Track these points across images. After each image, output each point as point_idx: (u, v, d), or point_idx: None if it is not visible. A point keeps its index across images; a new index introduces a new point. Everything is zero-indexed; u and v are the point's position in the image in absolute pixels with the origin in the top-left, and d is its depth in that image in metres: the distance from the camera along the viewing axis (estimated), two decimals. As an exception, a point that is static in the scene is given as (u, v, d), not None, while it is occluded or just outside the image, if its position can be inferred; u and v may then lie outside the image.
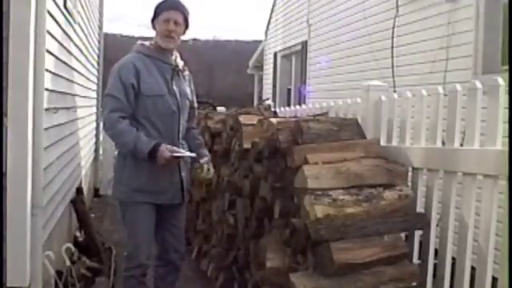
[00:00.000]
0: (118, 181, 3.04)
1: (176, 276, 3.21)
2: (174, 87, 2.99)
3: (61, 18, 3.81)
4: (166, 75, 2.97)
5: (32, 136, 2.83)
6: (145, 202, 2.95)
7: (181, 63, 3.08)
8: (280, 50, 11.03)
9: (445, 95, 2.34)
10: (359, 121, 2.75)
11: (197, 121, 3.46)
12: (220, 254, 3.76)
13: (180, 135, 3.03)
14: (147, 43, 3.03)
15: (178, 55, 3.10)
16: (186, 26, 3.05)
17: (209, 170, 3.09)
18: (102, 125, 3.05)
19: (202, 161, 3.10)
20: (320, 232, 2.09)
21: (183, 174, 3.04)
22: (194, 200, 4.76)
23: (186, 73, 3.14)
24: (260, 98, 13.02)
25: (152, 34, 3.06)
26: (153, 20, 3.02)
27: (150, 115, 2.91)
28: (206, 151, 3.23)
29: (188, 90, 3.12)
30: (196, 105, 3.27)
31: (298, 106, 4.28)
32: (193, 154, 3.02)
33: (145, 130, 2.89)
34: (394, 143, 2.63)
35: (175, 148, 2.90)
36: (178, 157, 2.88)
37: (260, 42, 13.28)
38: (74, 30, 4.65)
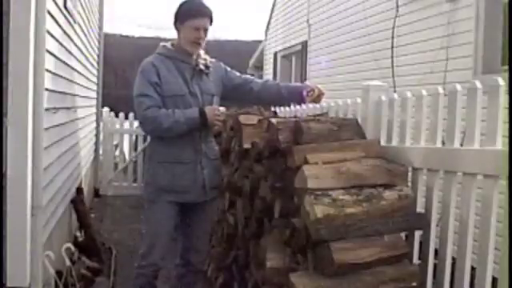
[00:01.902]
0: (145, 182, 3.11)
1: (194, 278, 3.20)
2: (195, 86, 3.00)
3: (61, 18, 3.81)
4: (186, 75, 2.99)
5: (32, 136, 2.83)
6: (169, 202, 2.98)
7: (203, 61, 3.06)
8: (280, 50, 11.04)
9: (445, 95, 2.34)
10: (359, 121, 2.75)
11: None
12: (220, 253, 3.76)
13: (203, 133, 3.05)
14: (168, 44, 3.05)
15: (202, 53, 3.10)
16: (210, 25, 3.06)
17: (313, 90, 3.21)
18: (139, 125, 3.09)
19: (309, 89, 3.24)
20: (320, 232, 2.09)
21: (205, 172, 3.05)
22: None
23: (212, 69, 3.12)
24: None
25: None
26: (176, 22, 3.00)
27: None
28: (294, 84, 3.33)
29: (211, 86, 3.10)
30: (242, 76, 3.29)
31: (298, 106, 4.27)
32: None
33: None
34: (394, 143, 2.63)
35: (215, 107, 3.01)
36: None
37: (260, 41, 13.29)
38: (74, 30, 4.65)
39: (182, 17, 2.98)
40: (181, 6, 3.01)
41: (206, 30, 2.98)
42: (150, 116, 2.87)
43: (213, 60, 3.18)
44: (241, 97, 3.29)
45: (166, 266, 3.26)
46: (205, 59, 3.09)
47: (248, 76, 3.33)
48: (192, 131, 2.97)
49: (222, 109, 3.01)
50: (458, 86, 2.23)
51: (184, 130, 2.92)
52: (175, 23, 3.02)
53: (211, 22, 3.02)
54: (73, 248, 4.09)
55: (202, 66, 3.04)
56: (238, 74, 3.28)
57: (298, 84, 3.28)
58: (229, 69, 3.27)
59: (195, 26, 2.94)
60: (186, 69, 3.00)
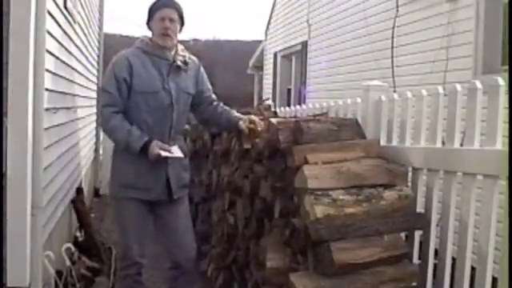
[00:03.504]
0: (110, 177, 3.10)
1: (186, 279, 3.10)
2: (170, 83, 2.97)
3: (61, 18, 3.81)
4: (163, 71, 2.97)
5: (32, 136, 2.82)
6: (133, 199, 2.96)
7: (181, 58, 3.03)
8: (280, 50, 11.03)
9: (445, 95, 2.34)
10: (359, 121, 2.75)
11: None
12: (220, 253, 3.76)
13: (172, 131, 3.01)
14: (147, 39, 3.03)
15: (180, 49, 3.07)
16: (182, 23, 3.05)
17: (253, 122, 3.01)
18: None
19: (245, 118, 3.06)
20: (320, 232, 2.09)
21: (170, 170, 2.99)
22: (194, 200, 4.76)
23: (191, 65, 3.09)
24: (260, 97, 13.02)
25: (151, 34, 3.05)
26: (148, 21, 3.03)
27: (141, 111, 2.92)
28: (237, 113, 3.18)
29: (189, 84, 3.08)
30: (209, 92, 3.22)
31: (298, 106, 4.27)
32: (181, 155, 2.97)
33: (136, 126, 2.90)
34: (394, 143, 2.63)
35: (166, 146, 2.90)
36: (166, 156, 2.88)
37: (260, 41, 13.28)
38: (74, 30, 4.64)
39: (149, 14, 3.02)
40: (150, 6, 3.04)
41: (171, 20, 2.95)
42: (105, 115, 2.92)
43: (193, 58, 3.14)
44: (195, 111, 3.23)
45: (160, 266, 3.23)
46: (183, 56, 3.06)
47: (213, 96, 3.25)
48: (161, 128, 2.95)
49: (164, 146, 2.88)
50: (458, 86, 2.23)
51: (123, 148, 2.92)
52: (148, 23, 3.05)
53: (181, 17, 3.00)
54: (73, 248, 4.09)
55: (179, 63, 3.01)
56: (209, 86, 3.23)
57: (238, 115, 3.15)
58: (205, 76, 3.22)
59: (160, 16, 2.95)
60: (162, 64, 2.97)
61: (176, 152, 2.94)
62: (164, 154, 2.86)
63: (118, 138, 2.91)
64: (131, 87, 2.90)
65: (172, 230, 3.08)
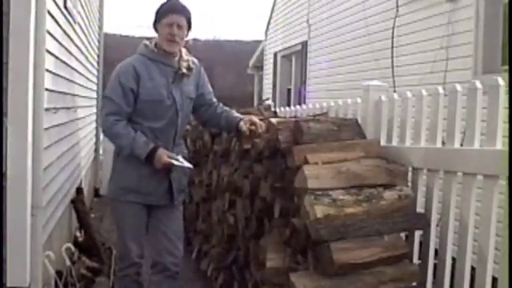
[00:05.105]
0: (110, 178, 3.08)
1: (171, 284, 3.03)
2: (174, 90, 2.95)
3: (61, 18, 3.81)
4: (169, 78, 2.94)
5: (32, 136, 2.83)
6: (132, 202, 2.96)
7: (185, 64, 3.00)
8: (280, 50, 11.03)
9: (445, 95, 2.34)
10: (359, 121, 2.75)
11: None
12: (220, 253, 3.76)
13: (177, 137, 3.02)
14: (152, 44, 2.98)
15: (184, 53, 3.03)
16: (189, 28, 3.01)
17: (254, 124, 2.97)
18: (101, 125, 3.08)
19: (246, 119, 3.02)
20: (320, 232, 2.09)
21: (173, 175, 2.99)
22: (194, 200, 4.77)
23: (194, 70, 3.06)
24: (260, 98, 13.03)
25: (152, 34, 3.04)
26: (155, 23, 2.97)
27: (146, 119, 2.91)
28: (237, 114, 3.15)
29: (191, 88, 3.05)
30: (210, 95, 3.19)
31: (298, 106, 4.27)
32: (189, 165, 2.96)
33: (140, 132, 2.88)
34: (394, 143, 2.63)
35: (173, 155, 2.89)
36: (174, 164, 2.87)
37: (260, 41, 13.29)
38: (74, 30, 4.65)
39: (157, 16, 2.95)
40: (158, 7, 2.98)
41: (180, 27, 2.91)
42: (108, 123, 2.89)
43: (195, 60, 3.11)
44: (195, 113, 3.22)
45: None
46: (187, 60, 3.03)
47: (214, 99, 3.22)
48: (166, 134, 2.94)
49: (171, 155, 2.89)
50: (458, 86, 2.23)
51: (127, 154, 2.90)
52: (154, 25, 2.98)
53: (189, 22, 2.96)
54: (73, 248, 4.09)
55: (184, 70, 2.98)
56: (210, 89, 3.22)
57: (238, 116, 3.11)
58: (206, 79, 3.20)
59: (168, 22, 2.89)
60: (168, 72, 2.94)
61: (184, 162, 2.93)
62: (176, 163, 2.86)
63: (122, 145, 2.89)
64: (138, 96, 2.88)
65: (166, 235, 3.04)
